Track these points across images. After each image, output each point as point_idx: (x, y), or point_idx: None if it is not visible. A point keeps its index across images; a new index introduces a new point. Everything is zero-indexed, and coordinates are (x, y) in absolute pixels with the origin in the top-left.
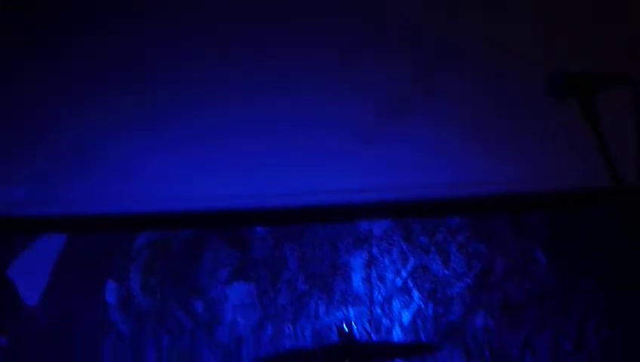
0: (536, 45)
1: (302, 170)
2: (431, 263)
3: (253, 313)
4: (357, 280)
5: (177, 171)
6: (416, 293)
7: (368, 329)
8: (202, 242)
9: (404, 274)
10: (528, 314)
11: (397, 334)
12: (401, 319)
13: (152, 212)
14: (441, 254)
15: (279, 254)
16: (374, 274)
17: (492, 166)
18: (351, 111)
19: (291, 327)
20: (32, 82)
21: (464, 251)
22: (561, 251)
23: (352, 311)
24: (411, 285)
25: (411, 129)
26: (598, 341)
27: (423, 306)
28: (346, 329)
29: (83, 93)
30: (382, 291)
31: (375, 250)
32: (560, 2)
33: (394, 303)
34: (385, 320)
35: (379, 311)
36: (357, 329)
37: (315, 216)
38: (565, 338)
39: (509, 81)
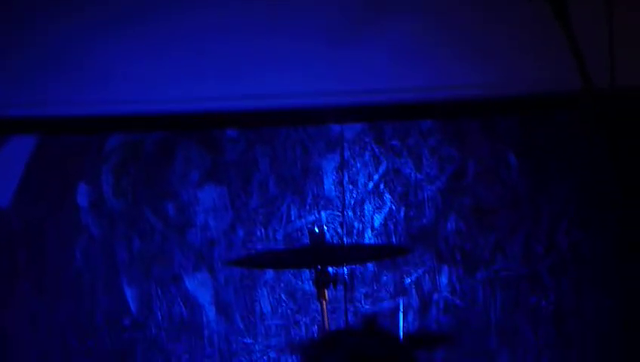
0: None
1: (274, 72)
2: (403, 166)
3: (224, 216)
4: (329, 184)
5: (150, 74)
6: (387, 196)
7: (340, 232)
8: (174, 144)
9: (375, 177)
10: (500, 218)
11: (369, 237)
12: (373, 222)
13: (124, 114)
14: (413, 157)
15: (251, 157)
16: (346, 178)
17: (464, 70)
18: (324, 15)
19: (263, 230)
20: None
21: (436, 154)
22: (532, 155)
23: (323, 214)
24: (383, 188)
25: (384, 32)
26: (569, 243)
27: (394, 209)
28: (318, 232)
29: None
30: (354, 194)
31: (347, 153)
32: None
33: (366, 206)
34: (357, 223)
35: (350, 214)
36: (328, 232)
37: (287, 119)
38: (536, 241)
39: None
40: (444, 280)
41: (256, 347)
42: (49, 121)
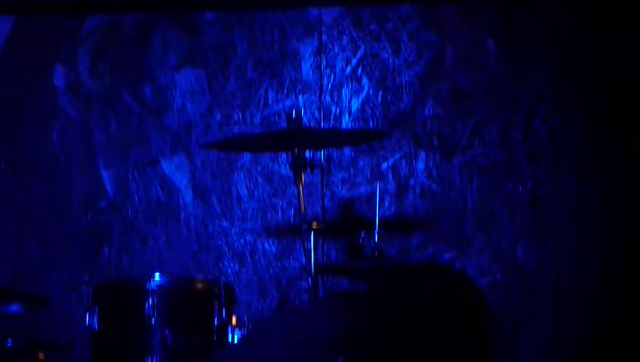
0: None
1: None
2: (381, 51)
3: (201, 99)
4: (306, 68)
5: None
6: (365, 81)
7: (317, 116)
8: (152, 27)
9: (353, 61)
10: (477, 103)
11: (346, 122)
12: (350, 107)
13: None
14: (392, 42)
15: (229, 40)
16: (324, 62)
17: None
18: None
19: (240, 114)
20: None
21: (414, 40)
22: (510, 40)
23: (301, 99)
24: (361, 73)
25: None
26: (546, 129)
27: (372, 94)
28: (295, 117)
29: None
30: (331, 79)
31: (325, 38)
32: None
33: (343, 91)
34: (334, 108)
35: (328, 98)
36: (306, 116)
37: (266, 2)
38: (513, 127)
39: None
40: (420, 165)
41: (233, 230)
42: (25, 2)
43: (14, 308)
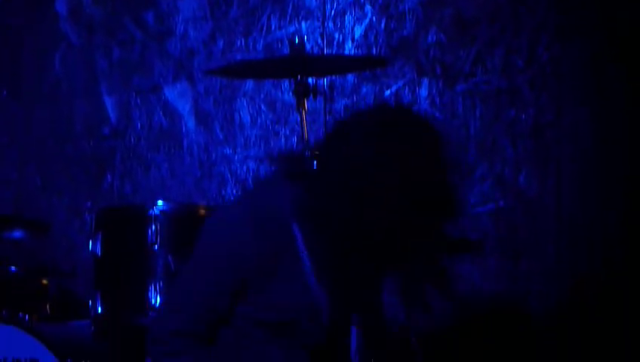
0: None
1: None
2: None
3: (204, 25)
4: None
5: None
6: (368, 7)
7: (320, 42)
8: None
9: None
10: (480, 30)
11: (349, 48)
12: (353, 33)
13: None
14: None
15: None
16: None
17: None
18: None
19: (243, 40)
20: None
21: None
22: None
23: (303, 25)
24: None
25: None
26: (549, 56)
27: (375, 20)
28: (298, 43)
29: None
30: (334, 5)
31: None
32: None
33: (346, 17)
34: (337, 34)
35: (331, 25)
36: (309, 42)
37: None
38: (517, 54)
39: None
40: (423, 92)
41: (236, 157)
42: None
43: (17, 234)
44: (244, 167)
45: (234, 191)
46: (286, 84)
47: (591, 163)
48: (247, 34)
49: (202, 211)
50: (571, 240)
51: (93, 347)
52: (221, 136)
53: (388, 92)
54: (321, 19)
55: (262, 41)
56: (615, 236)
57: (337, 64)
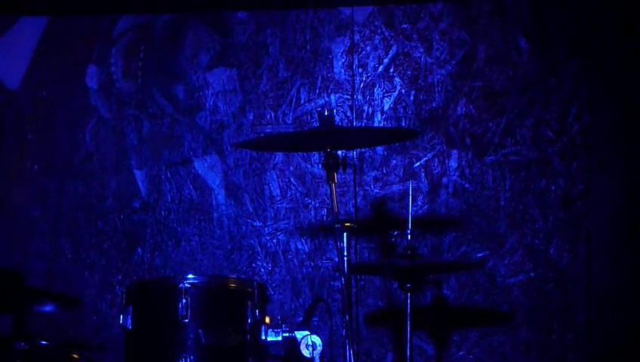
0: None
1: None
2: (413, 50)
3: (234, 99)
4: (338, 67)
5: None
6: (397, 80)
7: (349, 115)
8: (184, 27)
9: (385, 61)
10: (510, 102)
11: (378, 120)
12: (383, 105)
13: None
14: (424, 41)
15: (260, 40)
16: (356, 61)
17: None
18: None
19: (272, 113)
20: None
21: (446, 38)
22: (543, 39)
23: (333, 98)
24: (393, 72)
25: None
26: (579, 127)
27: (404, 93)
28: (327, 116)
29: None
30: (363, 78)
31: (357, 37)
32: None
33: (375, 90)
34: (366, 107)
35: (360, 97)
36: (338, 115)
37: (297, 1)
38: (546, 125)
39: None
40: (453, 163)
41: (266, 230)
42: (59, 2)
43: (48, 308)
44: (274, 240)
45: (264, 264)
46: (315, 156)
47: (621, 233)
48: (276, 107)
49: (232, 284)
50: (602, 311)
51: None
52: (251, 209)
53: (417, 164)
54: (350, 91)
55: (291, 114)
56: None
57: (367, 136)
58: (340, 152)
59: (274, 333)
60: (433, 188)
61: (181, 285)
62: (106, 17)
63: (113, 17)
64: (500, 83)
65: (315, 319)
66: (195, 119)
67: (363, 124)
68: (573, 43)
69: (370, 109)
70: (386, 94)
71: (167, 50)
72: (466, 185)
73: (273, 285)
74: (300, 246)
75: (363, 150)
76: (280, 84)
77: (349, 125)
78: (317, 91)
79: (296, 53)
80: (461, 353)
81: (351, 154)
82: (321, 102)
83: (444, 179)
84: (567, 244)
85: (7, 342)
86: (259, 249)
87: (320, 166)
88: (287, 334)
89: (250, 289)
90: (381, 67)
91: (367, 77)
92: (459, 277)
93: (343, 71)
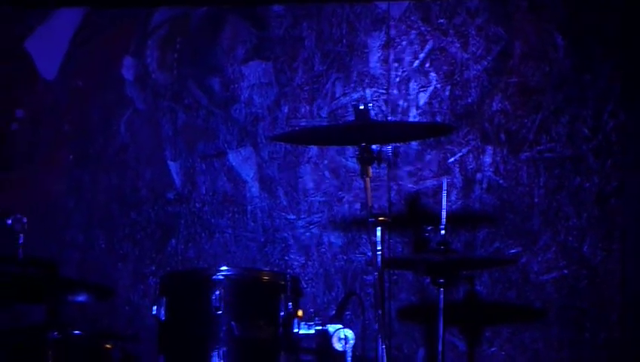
0: None
1: None
2: (449, 45)
3: (269, 92)
4: (374, 61)
5: None
6: (433, 75)
7: (384, 109)
8: (220, 19)
9: (421, 55)
10: (545, 98)
11: (413, 115)
12: (418, 100)
13: None
14: (460, 37)
15: (297, 33)
16: (391, 56)
17: None
18: None
19: (307, 107)
20: None
21: (483, 34)
22: (579, 35)
23: (368, 92)
24: (429, 67)
25: None
26: (615, 124)
27: (439, 88)
28: (362, 110)
29: None
30: (399, 72)
31: (393, 31)
32: None
33: (411, 84)
34: (401, 102)
35: (395, 92)
36: (373, 109)
37: None
38: (582, 122)
39: None
40: (487, 159)
41: (299, 223)
42: None
43: (82, 298)
44: (308, 234)
45: (297, 258)
46: (350, 150)
47: None
48: (311, 100)
49: (266, 277)
50: (636, 309)
51: None
52: (285, 202)
53: (452, 159)
54: (385, 86)
55: (326, 108)
56: None
57: (401, 131)
58: (374, 146)
59: (306, 326)
60: (467, 183)
61: (215, 277)
62: (143, 9)
63: (150, 9)
64: (535, 79)
65: (347, 313)
66: (230, 111)
67: (398, 119)
68: (608, 40)
69: (405, 104)
70: (421, 89)
71: (204, 42)
72: (501, 181)
73: (306, 278)
74: (333, 240)
75: (397, 144)
76: (315, 78)
77: (384, 119)
78: (352, 85)
79: (332, 47)
80: (493, 349)
81: (386, 149)
82: (356, 96)
83: (479, 175)
84: (600, 242)
85: (41, 332)
86: (292, 242)
87: (354, 160)
88: (319, 327)
89: (283, 282)
90: (417, 62)
91: (403, 71)
92: (492, 273)
93: (378, 65)
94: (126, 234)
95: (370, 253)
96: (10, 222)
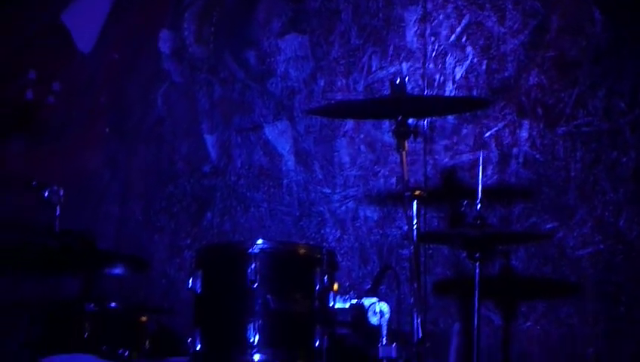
0: None
1: None
2: (485, 20)
3: (305, 65)
4: (410, 35)
5: None
6: (469, 49)
7: (421, 83)
8: None
9: (458, 30)
10: (582, 72)
11: (449, 89)
12: (454, 74)
13: None
14: (497, 11)
15: (333, 6)
16: (428, 30)
17: None
18: None
19: (344, 80)
20: None
21: (519, 8)
22: (617, 9)
23: (404, 66)
24: (465, 41)
25: None
26: None
27: (476, 62)
28: (399, 84)
29: None
30: (435, 46)
31: (429, 5)
32: None
33: (447, 59)
34: (438, 75)
35: (432, 66)
36: (409, 83)
37: None
38: (619, 96)
39: None
40: (524, 134)
41: (335, 197)
42: None
43: (117, 270)
44: (343, 207)
45: (332, 231)
46: (386, 124)
47: None
48: (348, 74)
49: (302, 250)
50: None
51: None
52: (320, 176)
53: (488, 133)
54: (422, 60)
55: (362, 82)
56: None
57: (438, 105)
58: (410, 120)
59: (342, 300)
60: (503, 157)
61: (251, 250)
62: None
63: None
64: (572, 53)
65: (382, 287)
66: (266, 85)
67: (434, 93)
68: None
69: (441, 78)
70: (457, 63)
71: (240, 15)
72: (537, 156)
73: (342, 252)
74: (368, 214)
75: (434, 119)
76: (352, 51)
77: (421, 93)
78: (389, 59)
79: (369, 21)
80: (528, 324)
81: (422, 123)
82: (392, 70)
83: (515, 149)
84: (637, 216)
85: (78, 304)
86: (328, 216)
87: (390, 134)
88: (355, 301)
89: (319, 256)
90: (453, 36)
91: (440, 45)
92: (527, 247)
93: (415, 39)
94: (162, 207)
95: (405, 227)
96: (46, 194)
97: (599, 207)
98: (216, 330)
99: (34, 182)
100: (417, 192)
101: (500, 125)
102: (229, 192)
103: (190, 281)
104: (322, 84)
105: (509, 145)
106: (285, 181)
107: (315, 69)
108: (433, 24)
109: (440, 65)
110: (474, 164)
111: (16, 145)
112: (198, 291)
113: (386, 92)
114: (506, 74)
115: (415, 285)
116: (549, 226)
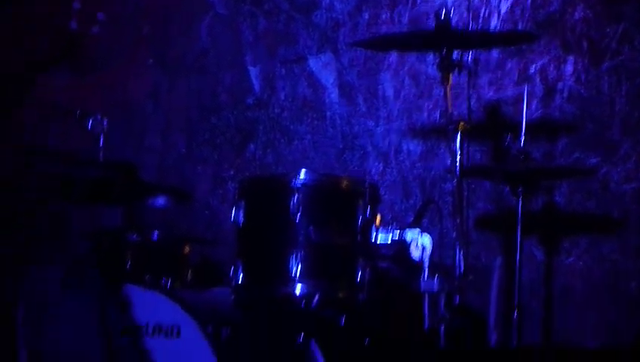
0: None
1: None
2: None
3: None
4: None
5: None
6: None
7: (466, 17)
8: None
9: None
10: (628, 7)
11: (494, 23)
12: (500, 8)
13: None
14: None
15: None
16: None
17: None
18: None
19: (388, 13)
20: None
21: None
22: None
23: None
24: None
25: None
26: None
27: None
28: (444, 17)
29: None
30: None
31: None
32: None
33: None
34: (483, 9)
35: None
36: (454, 16)
37: None
38: None
39: None
40: (569, 69)
41: (378, 130)
42: None
43: (160, 201)
44: (386, 141)
45: (375, 164)
46: (430, 57)
47: None
48: (392, 6)
49: (344, 183)
50: None
51: (233, 315)
52: (364, 109)
53: (533, 68)
54: None
55: (407, 14)
56: None
57: (482, 39)
58: (455, 54)
59: (384, 231)
60: (548, 92)
61: (293, 183)
62: None
63: None
64: None
65: (425, 221)
66: (310, 17)
67: (479, 27)
68: None
69: (486, 11)
70: None
71: None
72: (582, 91)
73: (384, 185)
74: (412, 148)
75: (478, 52)
76: None
77: (465, 27)
78: None
79: None
80: (571, 259)
81: (466, 56)
82: (437, 2)
83: (560, 84)
84: None
85: (120, 234)
86: (370, 149)
87: (435, 67)
88: (397, 233)
89: (361, 189)
90: None
91: None
92: (571, 183)
93: None
94: (205, 139)
95: (448, 162)
96: (90, 123)
97: None
98: (258, 262)
99: (78, 112)
100: (461, 124)
101: (545, 60)
102: (273, 124)
103: (233, 213)
104: (367, 16)
105: (553, 80)
106: (329, 113)
107: (360, 2)
108: None
109: None
110: (518, 99)
111: (61, 75)
112: (241, 223)
113: (431, 25)
114: (552, 8)
115: (457, 219)
116: (592, 161)
